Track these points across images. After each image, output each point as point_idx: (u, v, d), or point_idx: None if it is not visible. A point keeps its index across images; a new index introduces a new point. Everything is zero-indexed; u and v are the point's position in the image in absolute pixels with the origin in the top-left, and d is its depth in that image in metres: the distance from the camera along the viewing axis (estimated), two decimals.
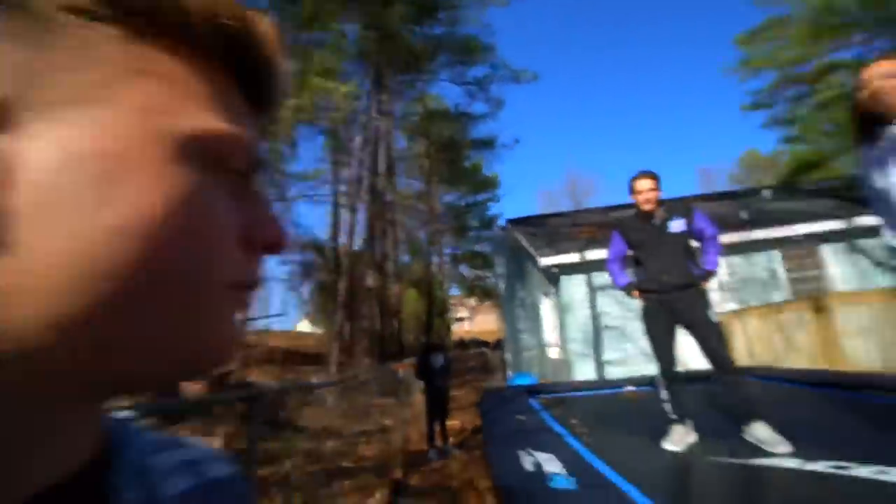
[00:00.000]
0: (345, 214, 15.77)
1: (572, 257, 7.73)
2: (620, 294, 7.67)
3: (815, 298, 5.09)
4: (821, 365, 4.82)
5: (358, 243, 15.29)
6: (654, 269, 2.61)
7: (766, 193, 11.03)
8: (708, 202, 10.82)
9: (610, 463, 2.22)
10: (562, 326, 8.02)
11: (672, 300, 2.55)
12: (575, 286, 7.81)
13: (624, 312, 7.63)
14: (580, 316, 7.68)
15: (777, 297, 7.72)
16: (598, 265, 7.75)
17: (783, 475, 1.85)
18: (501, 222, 20.26)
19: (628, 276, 2.81)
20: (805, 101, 19.87)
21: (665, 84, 68.18)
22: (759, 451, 2.17)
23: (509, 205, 54.28)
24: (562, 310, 7.79)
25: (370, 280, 14.85)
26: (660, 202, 2.65)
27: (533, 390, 4.66)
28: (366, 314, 14.89)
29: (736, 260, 8.01)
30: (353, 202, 14.15)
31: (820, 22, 16.17)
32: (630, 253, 2.78)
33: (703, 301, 2.56)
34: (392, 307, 26.48)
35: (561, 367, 8.43)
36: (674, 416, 2.53)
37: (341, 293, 12.62)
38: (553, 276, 8.15)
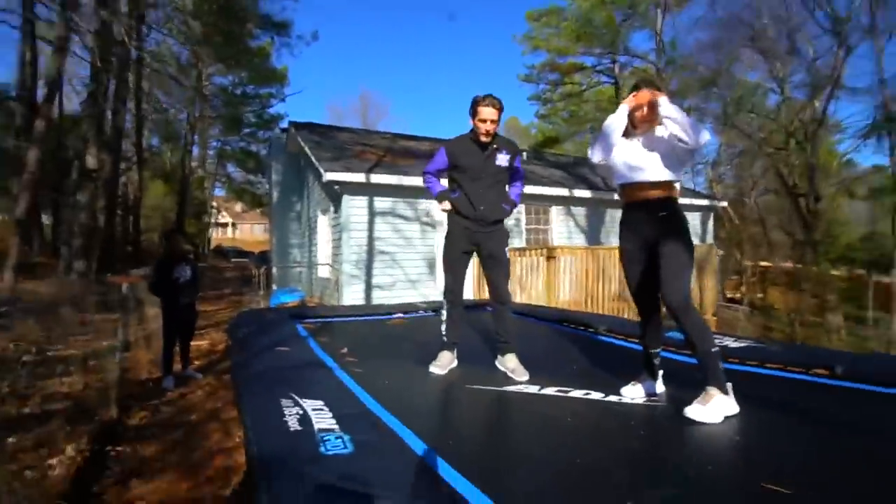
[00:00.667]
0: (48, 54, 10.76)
1: (358, 177, 7.20)
2: (399, 221, 7.66)
3: (548, 248, 6.08)
4: (546, 300, 5.86)
5: (75, 104, 10.87)
6: (474, 196, 2.50)
7: (523, 154, 12.70)
8: None
9: (380, 399, 1.97)
10: (337, 246, 7.57)
11: (480, 231, 2.53)
12: (356, 207, 7.37)
13: (398, 239, 7.67)
14: (356, 237, 7.35)
15: (517, 243, 9.09)
16: (382, 189, 7.46)
17: (525, 398, 2.14)
18: (284, 125, 17.79)
19: (440, 185, 2.65)
20: (557, 88, 23.82)
21: (471, 33, 71.11)
22: (508, 380, 2.39)
23: (295, 109, 48.53)
24: (341, 228, 7.28)
25: (92, 159, 10.95)
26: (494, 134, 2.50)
27: (299, 314, 4.09)
28: (83, 205, 11.05)
29: None
30: (62, 37, 9.58)
31: (581, 26, 19.09)
32: (450, 173, 2.60)
33: (504, 238, 2.61)
34: (126, 200, 20.91)
35: (330, 287, 8.07)
36: (445, 340, 2.60)
37: (31, 167, 8.81)
38: (335, 194, 7.48)
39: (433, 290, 7.97)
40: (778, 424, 1.76)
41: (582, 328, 3.66)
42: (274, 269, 10.56)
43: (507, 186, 2.65)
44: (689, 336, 1.86)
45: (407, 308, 4.55)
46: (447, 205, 2.56)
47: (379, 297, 7.38)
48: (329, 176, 6.88)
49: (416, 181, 7.56)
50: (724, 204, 13.06)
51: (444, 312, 2.64)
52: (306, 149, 8.35)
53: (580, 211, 10.27)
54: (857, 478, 1.33)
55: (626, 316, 6.48)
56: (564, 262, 6.10)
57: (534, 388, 2.24)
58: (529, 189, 8.87)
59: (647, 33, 19.29)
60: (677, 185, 2.07)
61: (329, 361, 2.65)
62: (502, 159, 2.53)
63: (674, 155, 1.96)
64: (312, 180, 9.56)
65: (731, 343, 2.84)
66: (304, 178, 10.59)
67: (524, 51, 20.94)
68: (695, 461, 1.45)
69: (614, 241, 11.03)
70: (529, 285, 6.20)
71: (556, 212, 9.83)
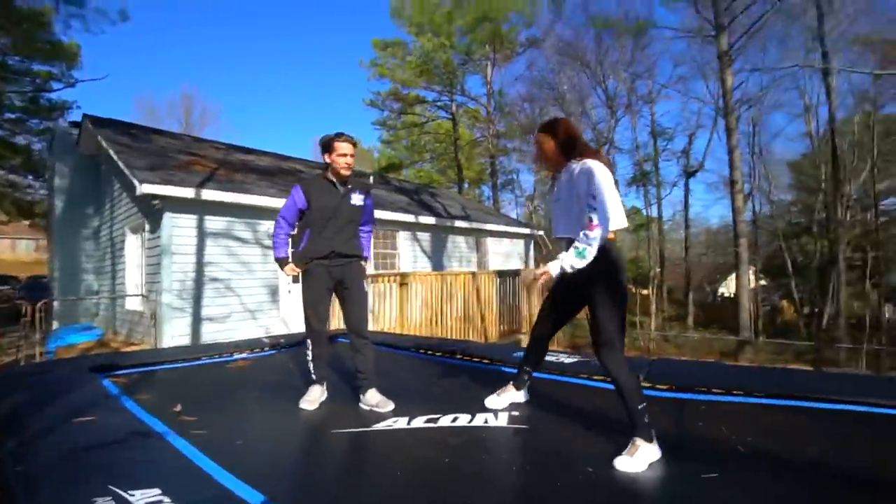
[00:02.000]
0: None
1: (185, 191, 6.15)
2: (235, 243, 6.80)
3: (401, 275, 6.14)
4: (399, 327, 5.86)
5: None
6: (329, 235, 2.50)
7: (370, 178, 12.69)
8: None
9: (237, 470, 1.65)
10: (155, 272, 6.27)
11: (338, 266, 2.54)
12: (181, 226, 6.27)
13: (234, 264, 6.79)
14: (181, 262, 6.23)
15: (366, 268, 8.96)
16: (215, 207, 6.55)
17: (395, 436, 2.09)
18: (74, 117, 14.10)
19: (288, 247, 2.61)
20: (400, 117, 24.81)
21: (315, 48, 68.09)
22: (376, 417, 2.33)
23: (89, 98, 38.66)
24: (161, 251, 6.06)
25: None
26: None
27: (104, 364, 3.20)
28: None
29: None
30: None
31: (424, 63, 20.43)
32: (305, 214, 2.54)
33: (362, 272, 2.65)
34: None
35: (144, 323, 6.61)
36: (314, 376, 2.57)
37: None
38: (152, 210, 6.24)
39: (275, 320, 7.25)
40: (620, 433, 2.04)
41: (439, 354, 3.75)
42: (55, 302, 8.19)
43: (358, 228, 2.66)
44: (619, 390, 1.82)
45: (250, 346, 4.00)
46: (291, 268, 2.55)
47: (210, 333, 6.35)
48: (146, 188, 5.71)
49: (256, 199, 6.91)
50: (541, 232, 15.24)
51: (310, 353, 2.58)
52: (111, 152, 6.81)
53: (425, 236, 10.72)
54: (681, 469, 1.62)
55: (470, 336, 6.95)
56: (415, 288, 6.23)
57: (403, 422, 2.23)
58: (378, 214, 8.90)
59: (480, 79, 21.62)
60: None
61: (158, 426, 2.12)
62: (357, 199, 2.56)
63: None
64: (118, 192, 7.82)
65: (566, 359, 3.26)
66: (106, 189, 8.59)
67: (370, 76, 21.28)
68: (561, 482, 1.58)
69: (456, 266, 11.82)
70: (382, 312, 6.14)
71: (402, 237, 10.06)
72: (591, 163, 1.86)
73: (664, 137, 20.49)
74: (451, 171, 25.95)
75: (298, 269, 2.53)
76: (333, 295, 2.64)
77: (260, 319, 7.02)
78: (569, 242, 1.91)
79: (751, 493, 1.48)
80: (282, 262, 2.57)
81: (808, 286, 19.58)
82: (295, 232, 2.57)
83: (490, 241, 12.89)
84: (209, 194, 6.36)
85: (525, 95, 20.42)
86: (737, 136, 14.61)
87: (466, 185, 25.05)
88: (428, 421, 2.22)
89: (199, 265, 6.38)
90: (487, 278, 7.33)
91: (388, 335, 4.79)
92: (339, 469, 1.86)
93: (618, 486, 1.59)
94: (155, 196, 5.93)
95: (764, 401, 2.31)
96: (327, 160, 2.48)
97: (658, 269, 20.23)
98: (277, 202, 7.14)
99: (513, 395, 2.41)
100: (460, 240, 11.88)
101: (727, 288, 27.14)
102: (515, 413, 2.30)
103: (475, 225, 12.07)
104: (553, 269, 1.85)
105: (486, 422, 2.20)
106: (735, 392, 2.41)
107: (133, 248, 7.54)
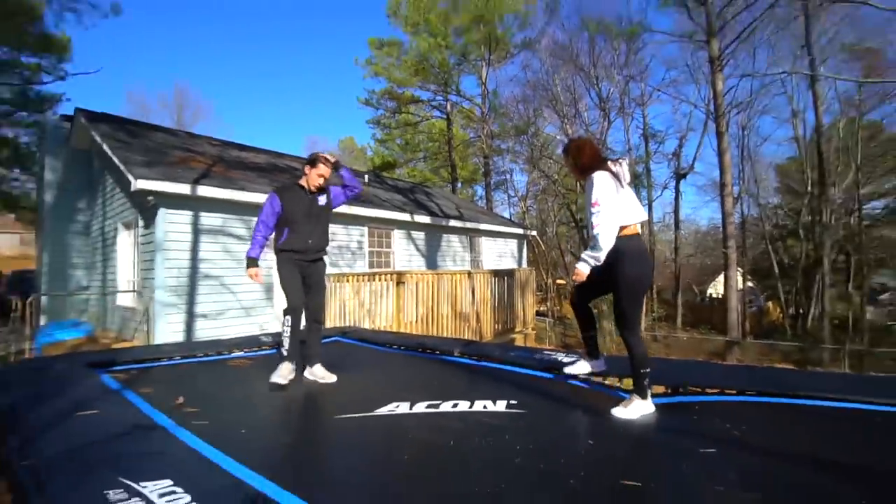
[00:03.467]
0: None
1: (180, 187, 6.09)
2: (231, 240, 6.76)
3: (398, 273, 6.14)
4: (395, 324, 5.87)
5: None
6: (304, 233, 2.88)
7: (365, 177, 12.68)
8: None
9: (246, 460, 1.65)
10: (148, 268, 6.21)
11: (305, 262, 2.91)
12: (177, 222, 6.21)
13: (230, 261, 6.74)
14: (176, 258, 6.17)
15: (361, 265, 8.94)
16: (211, 203, 6.51)
17: (398, 420, 2.13)
18: (65, 110, 13.84)
19: (262, 250, 2.94)
20: (394, 116, 24.75)
21: (310, 47, 67.52)
22: (374, 401, 2.39)
23: (80, 92, 37.93)
24: (155, 247, 6.00)
25: None
26: None
27: (101, 361, 3.17)
28: None
29: (337, 228, 8.68)
30: None
31: (419, 63, 20.40)
32: (282, 216, 2.90)
33: (324, 268, 3.06)
34: None
35: (136, 319, 6.54)
36: (285, 351, 2.83)
37: None
38: (147, 206, 6.18)
39: (270, 317, 7.21)
40: (625, 431, 2.08)
41: (438, 353, 3.77)
42: (44, 298, 8.06)
43: (329, 224, 3.10)
44: (633, 359, 2.24)
45: (250, 344, 3.98)
46: (255, 273, 2.88)
47: (204, 329, 6.30)
48: (141, 184, 5.65)
49: (252, 197, 6.87)
50: (534, 233, 15.33)
51: (288, 328, 2.82)
52: (105, 147, 6.72)
53: (420, 235, 10.73)
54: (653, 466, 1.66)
55: (465, 335, 6.98)
56: (412, 286, 6.25)
57: (405, 407, 2.28)
58: (373, 212, 8.89)
59: (475, 79, 21.65)
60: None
61: (162, 419, 2.12)
62: (322, 199, 2.99)
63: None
64: (111, 187, 7.72)
65: (563, 357, 3.31)
66: (98, 183, 8.48)
67: (365, 74, 21.21)
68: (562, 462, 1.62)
69: (450, 265, 11.85)
70: (378, 311, 6.14)
71: (397, 235, 10.05)
72: (594, 175, 2.27)
73: (656, 140, 20.67)
74: (445, 171, 25.97)
75: (261, 278, 2.93)
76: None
77: (255, 317, 6.98)
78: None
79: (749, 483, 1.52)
80: (251, 262, 2.87)
81: (793, 288, 19.92)
82: (273, 235, 2.92)
83: (484, 241, 12.94)
84: (205, 191, 6.31)
85: (519, 96, 20.49)
86: (727, 139, 14.83)
87: (460, 185, 25.10)
88: (429, 406, 2.28)
89: (194, 262, 6.33)
90: (483, 278, 7.36)
91: (388, 333, 4.81)
92: (347, 453, 1.87)
93: (617, 460, 1.70)
94: (150, 192, 5.87)
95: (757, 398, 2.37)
96: (307, 171, 2.89)
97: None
98: None
99: (585, 364, 2.76)
100: (454, 239, 11.90)
101: (715, 289, 27.53)
102: (514, 401, 2.38)
103: (469, 224, 12.11)
104: (582, 267, 2.26)
105: (485, 407, 2.29)
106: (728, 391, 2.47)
107: (125, 243, 7.45)
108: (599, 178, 2.25)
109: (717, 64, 14.42)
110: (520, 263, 14.32)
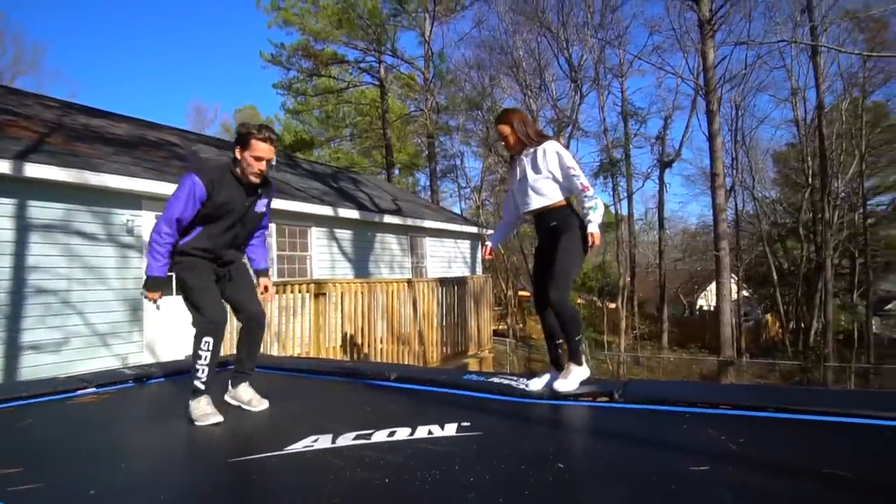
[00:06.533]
0: None
1: None
2: (79, 240, 6.24)
3: (316, 282, 5.94)
4: (314, 349, 5.64)
5: None
6: (226, 238, 2.63)
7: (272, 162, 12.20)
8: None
9: None
10: None
11: (223, 267, 2.70)
12: None
13: (76, 269, 6.19)
14: None
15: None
16: (47, 189, 5.95)
17: (316, 458, 2.05)
18: None
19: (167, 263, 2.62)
20: (311, 80, 24.24)
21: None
22: (285, 438, 2.25)
23: None
24: None
25: None
26: None
27: None
28: None
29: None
30: None
31: (343, 10, 20.15)
32: (199, 212, 2.56)
33: (250, 277, 2.89)
34: None
35: None
36: (202, 385, 2.56)
37: None
38: None
39: (137, 346, 6.70)
40: (594, 451, 2.13)
41: (370, 378, 3.65)
42: None
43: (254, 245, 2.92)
44: (564, 325, 2.79)
45: (104, 378, 3.63)
46: (159, 295, 2.60)
47: (34, 367, 5.70)
48: None
49: (111, 180, 6.39)
50: (491, 231, 15.54)
51: (205, 352, 2.56)
52: None
53: (346, 234, 10.51)
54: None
55: (406, 360, 6.87)
56: (335, 299, 6.06)
57: (326, 440, 2.18)
58: (283, 204, 8.56)
59: (415, 37, 21.72)
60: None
61: None
62: (261, 205, 2.71)
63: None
64: None
65: (526, 380, 3.36)
66: None
67: (270, 22, 20.60)
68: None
69: (386, 272, 11.74)
70: (291, 332, 5.87)
71: (316, 234, 9.78)
72: (553, 144, 2.86)
73: (636, 119, 21.77)
74: (378, 153, 25.80)
75: (158, 298, 2.60)
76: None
77: (114, 346, 6.44)
78: (540, 213, 2.90)
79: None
80: (155, 283, 2.55)
81: (794, 297, 21.66)
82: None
83: (429, 242, 12.92)
84: (36, 170, 5.73)
85: (472, 61, 20.80)
86: (719, 120, 15.93)
87: (397, 172, 25.01)
88: (357, 437, 2.21)
89: (18, 271, 5.72)
90: (427, 287, 7.30)
91: (310, 360, 4.59)
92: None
93: (593, 478, 1.81)
94: None
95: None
96: (238, 156, 2.53)
97: (629, 278, 21.39)
98: (144, 185, 6.63)
99: (553, 375, 2.98)
100: (391, 239, 11.79)
101: (706, 300, 29.39)
102: (465, 423, 2.39)
103: (410, 221, 12.05)
104: (596, 229, 2.73)
105: (430, 433, 2.26)
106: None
107: None
108: (559, 146, 2.86)
109: (709, 28, 15.47)
110: (473, 270, 14.46)
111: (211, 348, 2.55)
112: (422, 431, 2.27)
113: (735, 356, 15.13)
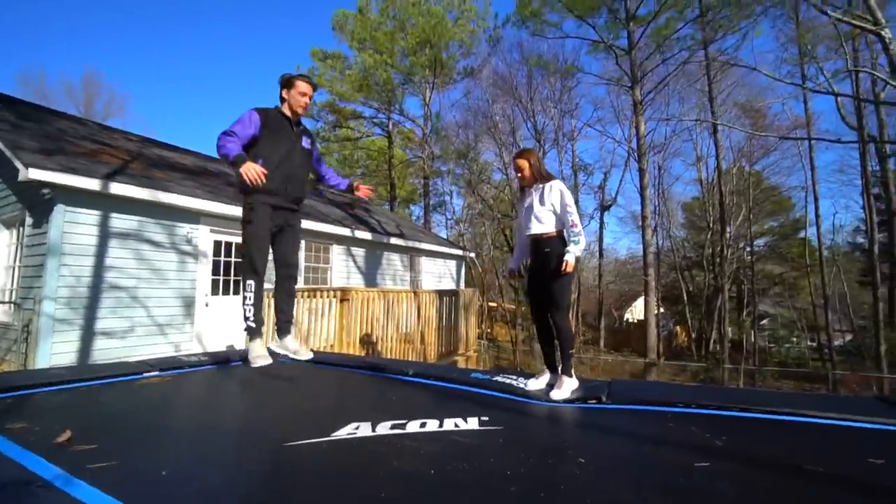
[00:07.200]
0: None
1: (87, 182, 5.16)
2: (147, 247, 5.89)
3: (341, 290, 5.66)
4: (338, 345, 5.35)
5: None
6: (283, 172, 2.36)
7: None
8: None
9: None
10: (35, 275, 5.14)
11: (283, 210, 2.39)
12: (79, 223, 5.24)
13: (144, 271, 5.83)
14: (74, 265, 5.18)
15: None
16: (126, 204, 5.63)
17: (363, 445, 1.80)
18: None
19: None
20: (335, 130, 24.05)
21: (247, 50, 63.87)
22: (330, 423, 1.98)
23: None
24: (47, 250, 4.97)
25: None
26: None
27: None
28: None
29: None
30: None
31: (364, 79, 20.10)
32: (256, 144, 2.36)
33: (299, 236, 2.55)
34: None
35: (7, 337, 5.36)
36: (252, 323, 2.33)
37: None
38: (40, 201, 5.16)
39: (188, 336, 6.32)
40: (601, 446, 1.94)
41: (392, 373, 3.41)
42: None
43: (309, 172, 2.62)
44: (561, 341, 2.68)
45: (166, 364, 3.33)
46: (251, 169, 2.13)
47: (104, 350, 5.31)
48: (34, 174, 4.69)
49: (179, 199, 6.06)
50: (472, 254, 15.41)
51: (251, 295, 2.34)
52: None
53: (359, 252, 10.24)
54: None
55: (409, 356, 6.60)
56: (357, 304, 5.79)
57: (366, 428, 1.94)
58: (311, 225, 8.30)
59: (419, 101, 21.77)
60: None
61: (40, 466, 1.53)
62: (306, 142, 2.53)
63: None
64: None
65: (522, 379, 3.16)
66: None
67: None
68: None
69: (390, 284, 11.45)
70: (317, 330, 5.58)
71: (336, 251, 9.50)
72: (559, 183, 2.76)
73: (585, 172, 22.08)
74: (383, 189, 25.57)
75: (262, 177, 2.14)
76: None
77: (170, 335, 6.06)
78: (537, 238, 2.78)
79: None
80: (240, 159, 2.16)
81: (699, 313, 21.93)
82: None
83: (424, 260, 12.70)
84: (119, 188, 5.42)
85: (461, 122, 20.91)
86: (647, 176, 16.19)
87: (397, 204, 24.81)
88: (394, 427, 1.97)
89: (98, 269, 5.36)
90: (428, 297, 7.08)
91: (333, 354, 4.33)
92: (308, 493, 1.44)
93: (619, 470, 1.60)
94: (45, 184, 4.90)
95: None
96: (284, 96, 2.42)
97: (575, 295, 21.39)
98: (203, 204, 6.33)
99: (547, 376, 2.86)
100: (395, 257, 11.54)
101: (632, 314, 29.60)
102: (485, 417, 2.17)
103: (410, 243, 11.83)
104: (571, 258, 2.59)
105: (456, 426, 2.04)
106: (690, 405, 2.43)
107: (3, 244, 6.18)
108: (563, 186, 2.76)
109: (640, 108, 15.81)
110: (458, 284, 14.24)
111: (254, 290, 2.36)
112: (449, 424, 2.04)
113: (657, 359, 15.12)
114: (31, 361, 4.86)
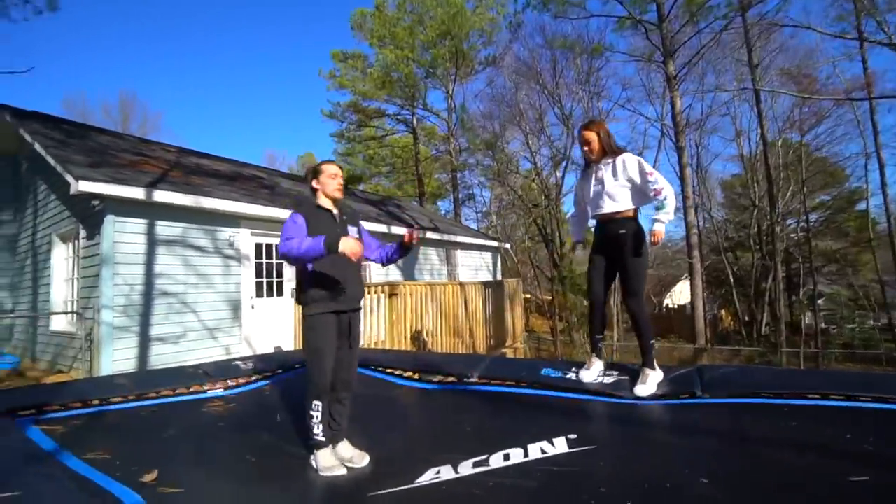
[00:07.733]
0: None
1: (133, 191, 5.17)
2: (192, 252, 5.89)
3: (390, 285, 5.51)
4: (389, 340, 5.19)
5: None
6: (339, 272, 2.08)
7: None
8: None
9: None
10: (93, 285, 5.20)
11: (347, 314, 2.13)
12: (128, 232, 5.26)
13: (191, 276, 5.83)
14: (128, 273, 5.21)
15: None
16: (169, 211, 5.63)
17: (451, 490, 1.61)
18: None
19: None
20: (360, 130, 24.08)
21: (270, 57, 65.20)
22: (406, 470, 1.78)
23: (5, 96, 34.16)
24: (101, 261, 5.01)
25: None
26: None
27: (23, 406, 2.32)
28: None
29: None
30: None
31: (386, 76, 19.97)
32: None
33: (358, 346, 2.25)
34: None
35: (73, 346, 5.46)
36: (320, 438, 2.04)
37: None
38: (91, 212, 5.22)
39: (237, 339, 6.31)
40: (660, 444, 1.67)
41: (452, 380, 3.15)
42: None
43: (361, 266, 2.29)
44: (640, 328, 2.59)
45: (225, 372, 3.21)
46: (348, 244, 1.89)
47: (161, 355, 5.33)
48: (84, 186, 4.71)
49: (219, 203, 6.02)
50: (508, 245, 15.07)
51: (315, 412, 2.06)
52: (38, 146, 5.68)
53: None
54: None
55: (459, 350, 6.38)
56: (405, 299, 5.62)
57: (448, 471, 1.73)
58: None
59: (442, 94, 21.48)
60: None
61: (127, 497, 1.40)
62: (353, 231, 2.25)
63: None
64: (45, 194, 6.59)
65: (607, 379, 2.86)
66: (29, 192, 7.26)
67: (329, 86, 20.50)
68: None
69: (427, 278, 11.25)
70: (368, 327, 5.44)
71: None
72: (631, 155, 2.54)
73: None
74: (410, 186, 25.45)
75: (359, 248, 1.92)
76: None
77: (220, 339, 6.06)
78: (610, 217, 2.55)
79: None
80: (329, 241, 1.90)
81: (745, 296, 20.80)
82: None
83: (460, 254, 12.46)
84: (162, 196, 5.42)
85: (486, 112, 20.48)
86: (686, 155, 15.36)
87: (425, 200, 24.65)
88: (476, 465, 1.76)
89: (149, 277, 5.38)
90: (475, 289, 6.84)
91: (388, 353, 4.14)
92: None
93: (748, 486, 1.35)
94: (95, 195, 4.93)
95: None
96: (315, 185, 2.20)
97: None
98: (242, 207, 6.28)
99: (599, 364, 2.71)
100: (431, 252, 11.35)
101: (671, 299, 28.48)
102: (572, 435, 1.91)
103: (446, 237, 11.61)
104: (661, 228, 2.43)
105: (543, 451, 1.81)
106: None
107: (61, 258, 6.32)
108: (638, 157, 2.54)
109: (674, 82, 14.98)
110: (495, 276, 13.95)
111: (321, 409, 2.08)
112: (534, 450, 1.83)
113: (705, 344, 14.37)
114: (96, 368, 4.92)
